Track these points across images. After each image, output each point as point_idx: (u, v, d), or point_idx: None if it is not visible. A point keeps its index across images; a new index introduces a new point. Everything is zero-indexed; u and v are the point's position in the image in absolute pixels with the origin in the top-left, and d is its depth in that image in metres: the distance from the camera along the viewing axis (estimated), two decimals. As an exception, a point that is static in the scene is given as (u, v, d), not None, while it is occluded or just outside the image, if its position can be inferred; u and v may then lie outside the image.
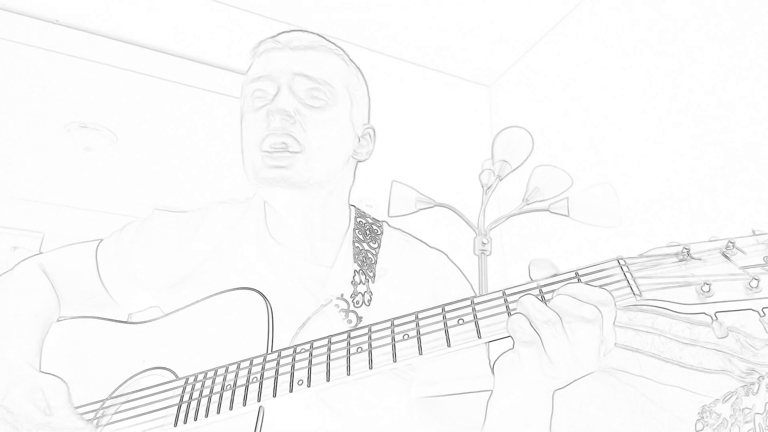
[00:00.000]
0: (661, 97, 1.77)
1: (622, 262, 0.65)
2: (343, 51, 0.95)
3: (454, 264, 0.94)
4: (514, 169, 1.79)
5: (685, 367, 1.14)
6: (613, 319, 0.62)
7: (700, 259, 0.62)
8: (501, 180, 1.80)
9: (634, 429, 1.22)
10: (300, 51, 0.89)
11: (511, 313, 0.65)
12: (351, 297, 0.85)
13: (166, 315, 0.85)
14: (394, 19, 2.25)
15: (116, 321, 0.87)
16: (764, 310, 0.58)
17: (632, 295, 0.63)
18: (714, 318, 0.60)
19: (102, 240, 0.97)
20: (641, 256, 0.66)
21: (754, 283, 0.58)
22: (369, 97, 0.99)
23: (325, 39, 0.93)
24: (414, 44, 2.38)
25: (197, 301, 0.82)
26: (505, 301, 0.66)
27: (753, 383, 1.02)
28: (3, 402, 0.75)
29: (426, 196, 1.82)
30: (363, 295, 0.86)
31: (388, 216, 1.78)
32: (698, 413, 1.08)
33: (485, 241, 1.75)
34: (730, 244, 0.61)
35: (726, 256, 0.61)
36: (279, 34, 0.92)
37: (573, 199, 1.68)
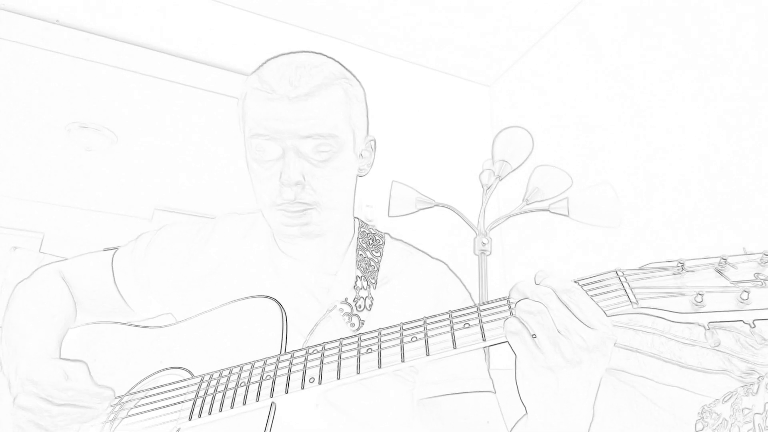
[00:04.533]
0: (662, 97, 1.77)
1: (620, 272, 0.69)
2: (335, 61, 0.92)
3: (454, 273, 0.98)
4: (514, 169, 1.79)
5: (685, 367, 1.14)
6: (558, 310, 0.65)
7: (694, 272, 0.66)
8: (501, 180, 1.80)
9: (633, 429, 1.22)
10: (300, 102, 0.85)
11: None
12: (353, 301, 0.87)
13: (184, 320, 0.88)
14: (393, 19, 2.25)
15: (134, 325, 0.91)
16: (754, 321, 0.61)
17: (629, 303, 0.66)
18: (706, 328, 0.62)
19: (118, 249, 1.02)
20: (639, 268, 0.69)
21: (744, 296, 0.60)
22: (367, 107, 0.98)
23: (316, 54, 0.91)
24: (414, 44, 2.38)
25: (214, 308, 0.86)
26: (509, 307, 0.69)
27: (753, 383, 1.02)
28: (28, 376, 0.79)
29: (426, 196, 1.82)
30: (364, 300, 0.89)
31: (388, 216, 1.78)
32: (698, 413, 1.08)
33: (485, 241, 1.75)
34: (722, 261, 0.65)
35: (719, 272, 0.65)
36: (267, 62, 0.88)
37: (573, 199, 1.68)
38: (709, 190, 1.56)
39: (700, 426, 1.07)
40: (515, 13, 2.21)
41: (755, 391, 1.01)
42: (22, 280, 0.96)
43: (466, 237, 1.81)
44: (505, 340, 0.68)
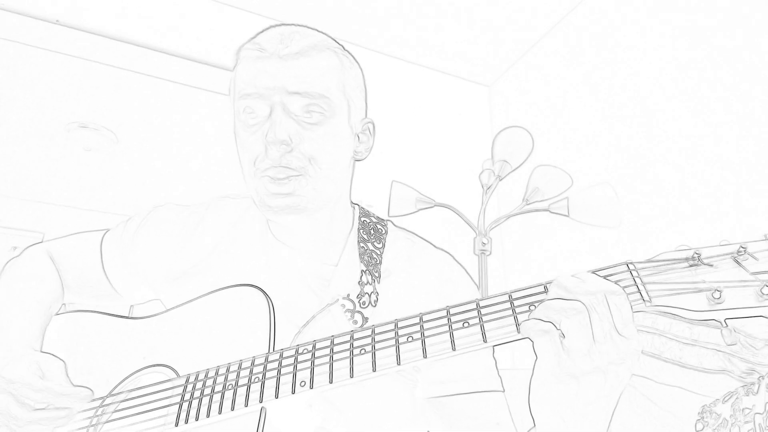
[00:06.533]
0: (662, 96, 1.77)
1: (631, 266, 0.64)
2: (333, 39, 0.88)
3: (461, 265, 0.93)
4: (514, 169, 1.79)
5: (686, 367, 1.14)
6: (604, 312, 0.60)
7: (711, 265, 0.61)
8: (501, 180, 1.80)
9: (634, 429, 1.21)
10: (290, 60, 0.81)
11: (517, 316, 0.64)
12: (357, 297, 0.84)
13: (167, 311, 0.84)
14: (393, 19, 2.25)
15: (116, 316, 0.87)
16: None
17: (642, 301, 0.61)
18: (724, 325, 0.59)
19: (108, 230, 0.97)
20: (651, 260, 0.64)
21: (765, 290, 0.57)
22: (365, 87, 0.93)
23: (313, 29, 0.87)
24: (414, 44, 2.38)
25: (198, 297, 0.82)
26: (512, 304, 0.65)
27: (753, 383, 1.02)
28: (2, 372, 0.75)
29: (426, 196, 1.82)
30: (369, 296, 0.84)
31: (388, 216, 1.78)
32: (698, 413, 1.08)
33: (485, 241, 1.75)
34: (741, 249, 0.60)
35: (737, 262, 0.60)
36: (261, 32, 0.84)
37: (573, 199, 1.68)
38: (709, 189, 1.56)
39: (700, 426, 1.07)
40: (515, 13, 2.21)
41: (756, 391, 1.01)
42: (12, 258, 0.92)
43: (466, 237, 1.81)
44: (507, 341, 0.63)
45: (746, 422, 1.01)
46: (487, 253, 1.74)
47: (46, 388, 0.75)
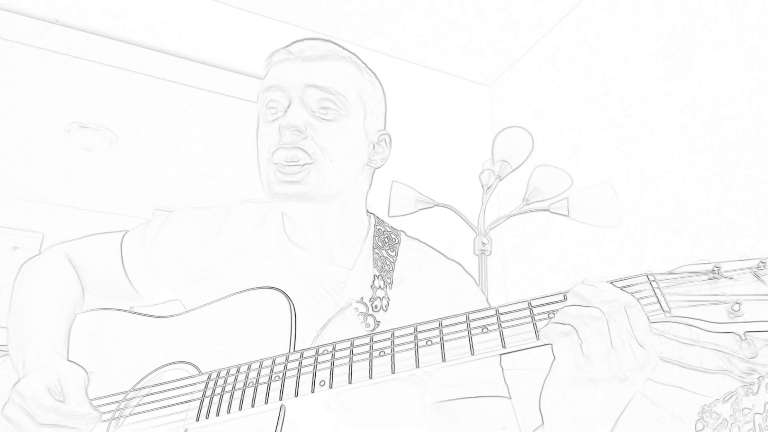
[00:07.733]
0: (662, 96, 1.77)
1: (651, 277, 0.65)
2: (358, 57, 0.95)
3: (470, 275, 0.96)
4: (514, 169, 1.79)
5: (686, 367, 1.14)
6: (621, 321, 0.61)
7: (730, 278, 0.62)
8: (501, 180, 1.80)
9: (634, 429, 1.22)
10: (312, 62, 0.88)
11: (537, 323, 0.65)
12: (370, 301, 0.86)
13: (190, 310, 0.86)
14: (394, 19, 2.25)
15: (140, 314, 0.89)
16: None
17: (661, 311, 0.63)
18: (743, 338, 0.59)
19: (128, 231, 0.99)
20: (671, 272, 0.65)
21: None
22: (385, 103, 0.98)
23: (339, 46, 0.93)
24: (414, 44, 2.38)
25: (221, 298, 0.84)
26: (531, 312, 0.66)
27: (753, 383, 1.02)
28: (17, 386, 0.77)
29: (426, 196, 1.82)
30: (381, 300, 0.87)
31: (388, 216, 1.78)
32: (698, 413, 1.08)
33: (485, 241, 1.75)
34: (761, 264, 0.61)
35: (757, 276, 0.61)
36: (292, 43, 0.92)
37: (573, 199, 1.68)
38: (708, 189, 1.56)
39: (700, 426, 1.07)
40: (515, 13, 2.21)
41: (755, 391, 1.01)
42: (29, 259, 0.93)
43: (466, 237, 1.81)
44: (525, 347, 0.64)
45: (746, 422, 1.01)
46: (487, 253, 1.74)
47: (54, 409, 0.75)
